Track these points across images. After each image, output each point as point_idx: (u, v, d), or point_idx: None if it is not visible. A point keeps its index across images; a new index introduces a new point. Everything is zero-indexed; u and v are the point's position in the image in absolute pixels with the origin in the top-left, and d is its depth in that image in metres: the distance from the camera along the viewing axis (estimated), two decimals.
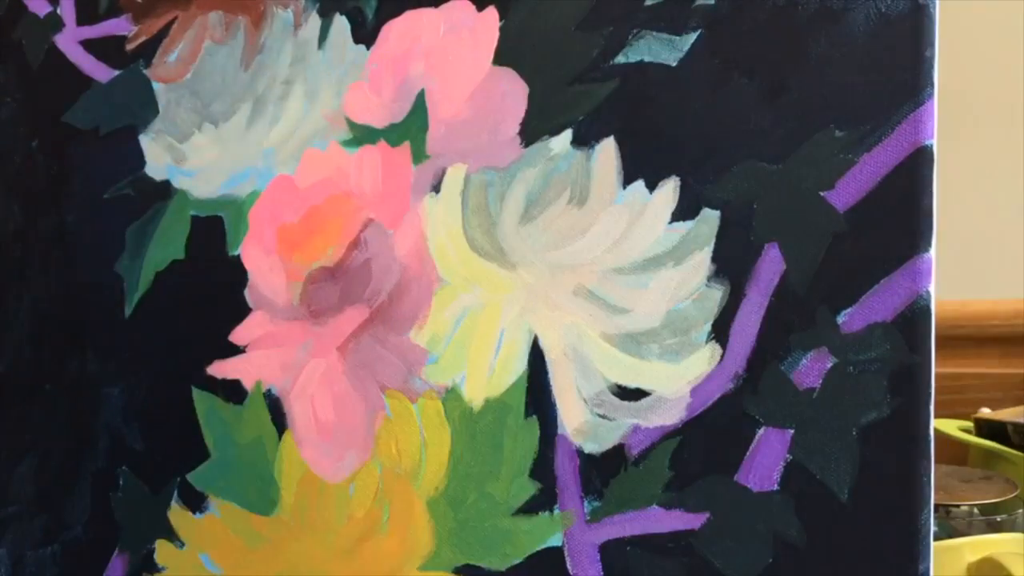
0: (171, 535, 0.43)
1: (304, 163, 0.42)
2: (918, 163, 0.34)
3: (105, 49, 0.45)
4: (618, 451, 0.37)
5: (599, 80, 0.37)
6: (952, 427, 0.68)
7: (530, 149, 0.38)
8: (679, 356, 0.36)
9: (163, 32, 0.44)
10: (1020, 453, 0.63)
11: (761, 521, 0.35)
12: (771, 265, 0.35)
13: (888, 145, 0.34)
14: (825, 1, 0.35)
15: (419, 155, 0.40)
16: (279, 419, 0.41)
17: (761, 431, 0.35)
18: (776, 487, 0.35)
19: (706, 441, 0.36)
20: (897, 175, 0.34)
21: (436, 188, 0.39)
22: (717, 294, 0.36)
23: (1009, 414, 0.67)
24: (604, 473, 0.37)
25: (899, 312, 0.34)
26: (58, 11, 0.46)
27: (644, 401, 0.37)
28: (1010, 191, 0.80)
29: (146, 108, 0.44)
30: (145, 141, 0.44)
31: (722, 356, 0.36)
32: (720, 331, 0.36)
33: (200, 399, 0.43)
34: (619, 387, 0.37)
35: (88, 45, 0.46)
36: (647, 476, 0.36)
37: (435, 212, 0.39)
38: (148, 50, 0.44)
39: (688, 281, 0.36)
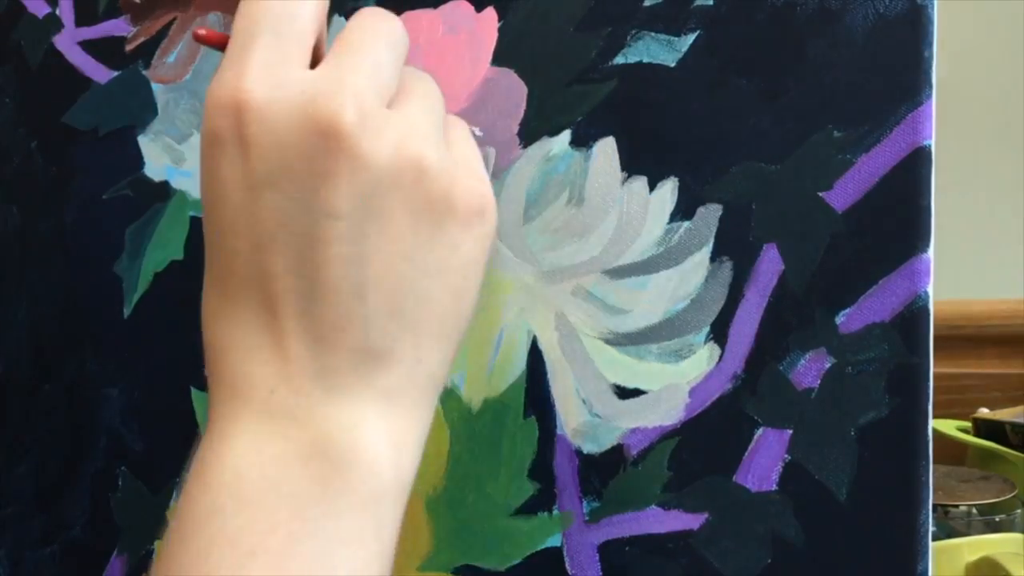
0: None
1: None
2: (916, 164, 0.34)
3: (104, 50, 0.45)
4: (617, 451, 0.37)
5: (598, 81, 0.37)
6: (951, 427, 0.68)
7: (529, 149, 0.38)
8: (678, 356, 0.36)
9: (162, 33, 0.44)
10: (1018, 453, 0.63)
11: (760, 521, 0.35)
12: (770, 265, 0.35)
13: (886, 146, 0.34)
14: (823, 2, 0.35)
15: None
16: None
17: (760, 431, 0.35)
18: (775, 487, 0.35)
19: (705, 441, 0.36)
20: (895, 176, 0.34)
21: None
22: (716, 295, 0.36)
23: (1007, 414, 0.67)
24: (603, 473, 0.37)
25: (897, 312, 0.34)
26: (57, 12, 0.46)
27: (643, 401, 0.37)
28: (1009, 191, 0.80)
29: (145, 109, 0.44)
30: (144, 142, 0.44)
31: (721, 356, 0.36)
32: (719, 331, 0.36)
33: (199, 400, 0.43)
34: (618, 387, 0.37)
35: (87, 46, 0.46)
36: (646, 476, 0.37)
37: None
38: (147, 51, 0.44)
39: (687, 282, 0.36)
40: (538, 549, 0.38)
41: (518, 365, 0.38)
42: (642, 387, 0.37)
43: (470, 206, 0.28)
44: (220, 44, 0.31)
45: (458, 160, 0.29)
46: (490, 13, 0.39)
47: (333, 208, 0.25)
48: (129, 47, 0.45)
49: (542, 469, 0.38)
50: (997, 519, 0.55)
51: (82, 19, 0.46)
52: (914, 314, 0.34)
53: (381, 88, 0.27)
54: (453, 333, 0.28)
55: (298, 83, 0.26)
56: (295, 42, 0.27)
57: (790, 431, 0.35)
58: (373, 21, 0.29)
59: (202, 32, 0.31)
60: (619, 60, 0.37)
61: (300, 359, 0.26)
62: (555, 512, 0.38)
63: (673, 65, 0.37)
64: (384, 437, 0.27)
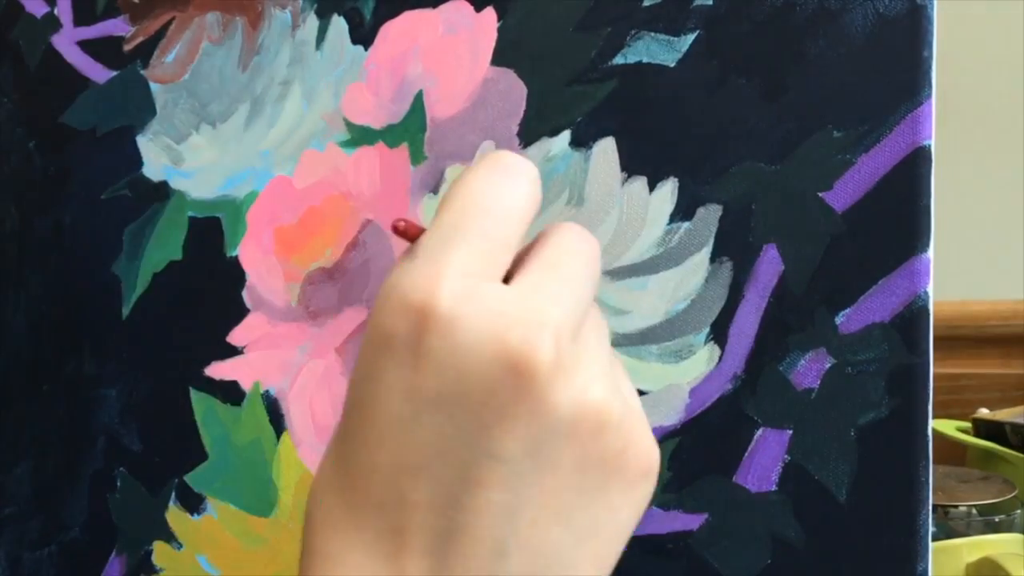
0: (169, 536, 0.43)
1: (302, 164, 0.41)
2: (916, 163, 0.34)
3: (102, 50, 0.45)
4: None
5: (597, 81, 0.37)
6: (950, 427, 0.68)
7: (528, 150, 0.38)
8: (678, 357, 0.36)
9: (160, 33, 0.44)
10: (1018, 454, 0.63)
11: (759, 522, 0.35)
12: (769, 266, 0.35)
13: (886, 146, 0.34)
14: (823, 2, 0.35)
15: (417, 156, 0.40)
16: (277, 420, 0.41)
17: (759, 432, 0.35)
18: (774, 487, 0.35)
19: (705, 442, 0.36)
20: (895, 176, 0.34)
21: (435, 189, 0.39)
22: (716, 295, 0.36)
23: (1007, 414, 0.67)
24: None
25: (897, 312, 0.34)
26: (55, 12, 0.46)
27: (643, 402, 0.36)
28: (1009, 191, 0.80)
29: (143, 109, 0.44)
30: (143, 142, 0.44)
31: (721, 357, 0.36)
32: (719, 332, 0.36)
33: (198, 400, 0.43)
34: None
35: (85, 46, 0.46)
36: None
37: (434, 213, 0.39)
38: (145, 51, 0.44)
39: (686, 282, 0.36)
40: None
41: None
42: (642, 388, 0.36)
43: (640, 468, 0.25)
44: (416, 236, 0.27)
45: (635, 411, 0.26)
46: (489, 13, 0.39)
47: (501, 450, 0.23)
48: (127, 47, 0.45)
49: None
50: (997, 519, 0.55)
51: (80, 19, 0.46)
52: (914, 314, 0.34)
53: (577, 324, 0.25)
54: None
55: (496, 302, 0.23)
56: (501, 249, 0.25)
57: (790, 431, 0.35)
58: (578, 243, 0.26)
59: (401, 225, 0.27)
60: (619, 60, 0.37)
61: None
62: None
63: (673, 65, 0.36)
64: None
